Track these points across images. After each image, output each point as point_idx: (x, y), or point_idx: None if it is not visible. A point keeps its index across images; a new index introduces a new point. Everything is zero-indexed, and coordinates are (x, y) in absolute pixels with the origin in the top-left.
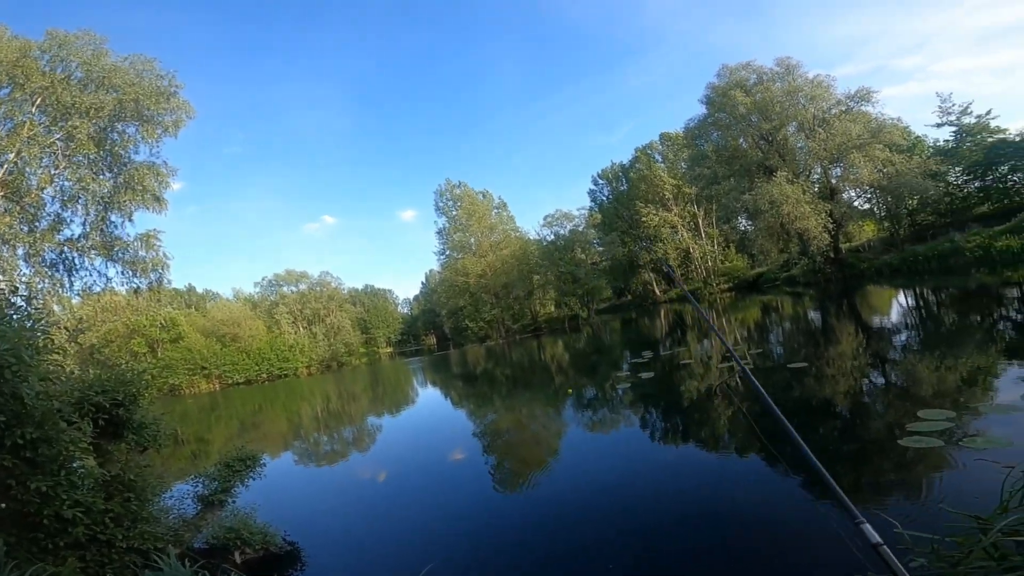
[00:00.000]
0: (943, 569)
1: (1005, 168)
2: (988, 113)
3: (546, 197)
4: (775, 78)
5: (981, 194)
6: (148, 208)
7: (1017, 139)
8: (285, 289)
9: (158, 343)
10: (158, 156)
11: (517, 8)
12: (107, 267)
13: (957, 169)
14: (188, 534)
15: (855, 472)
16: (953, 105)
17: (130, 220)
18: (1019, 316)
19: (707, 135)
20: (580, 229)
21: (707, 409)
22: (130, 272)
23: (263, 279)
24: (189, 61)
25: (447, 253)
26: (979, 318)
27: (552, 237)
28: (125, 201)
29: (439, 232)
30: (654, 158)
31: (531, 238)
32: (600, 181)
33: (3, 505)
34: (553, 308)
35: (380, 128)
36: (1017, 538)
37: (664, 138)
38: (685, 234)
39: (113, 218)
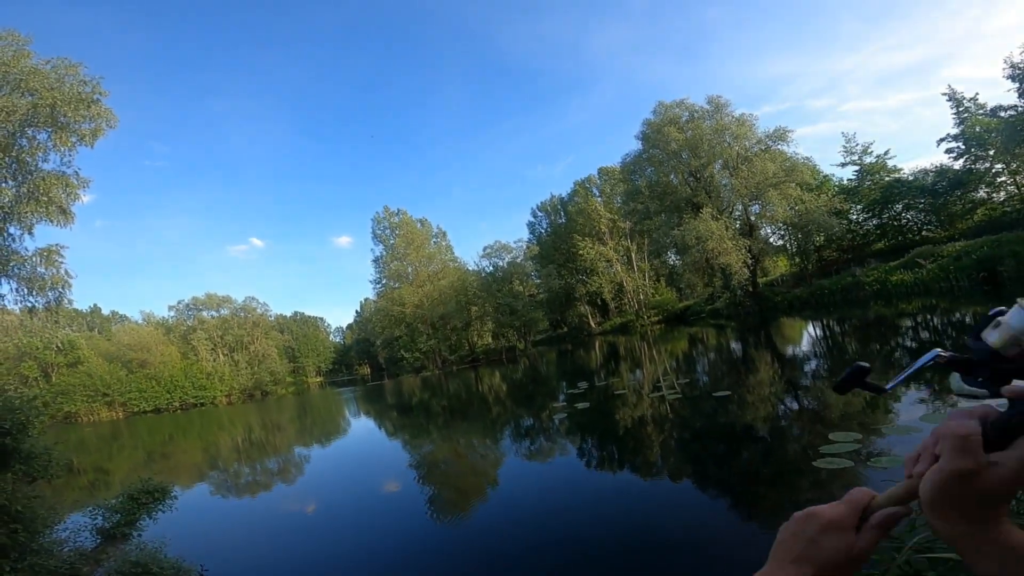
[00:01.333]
0: None
1: (899, 206)
2: (886, 153)
3: (486, 227)
4: (705, 116)
5: (878, 231)
6: (52, 221)
7: (910, 178)
8: (205, 314)
9: (53, 367)
10: (69, 166)
11: (464, 40)
12: (0, 283)
13: (858, 207)
14: (87, 568)
15: (776, 494)
16: (856, 145)
17: (30, 233)
18: (913, 344)
19: (642, 171)
20: (518, 261)
21: (640, 437)
22: (26, 290)
23: (179, 302)
24: (115, 67)
25: (383, 282)
26: (878, 346)
27: (491, 268)
28: (27, 212)
29: (375, 260)
30: (592, 192)
31: (470, 269)
32: (539, 213)
33: None
34: (491, 339)
35: (317, 150)
36: (929, 555)
37: (602, 172)
38: (619, 268)
39: (12, 230)
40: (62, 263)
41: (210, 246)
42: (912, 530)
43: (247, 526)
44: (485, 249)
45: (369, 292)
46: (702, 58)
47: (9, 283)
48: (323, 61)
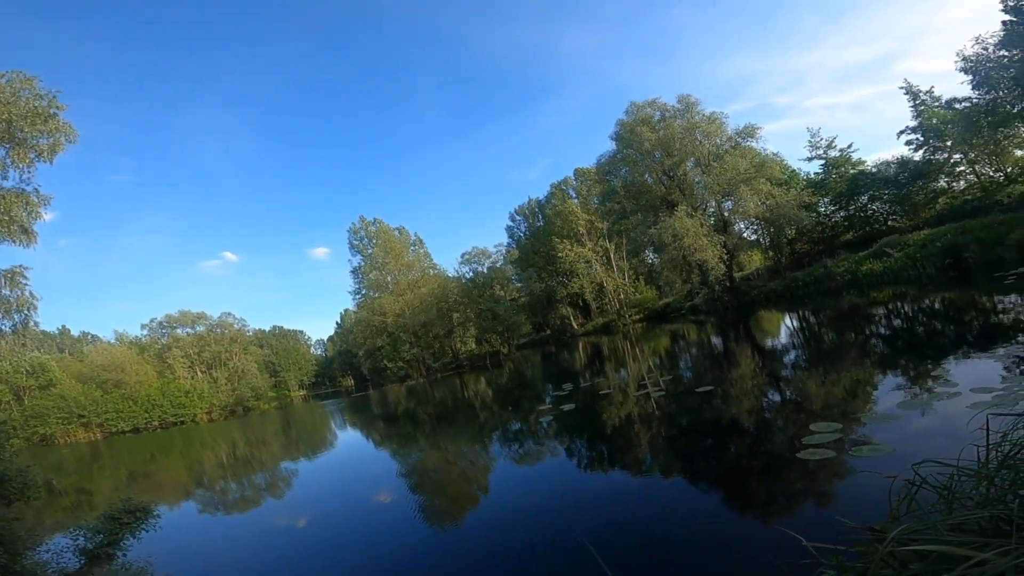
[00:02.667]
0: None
1: (865, 198)
2: (850, 146)
3: (466, 232)
4: (676, 115)
5: (846, 223)
6: (14, 241)
7: (874, 170)
8: (180, 331)
9: (25, 390)
10: (29, 183)
11: (438, 46)
12: None
13: (826, 200)
14: None
15: (763, 488)
16: (821, 140)
17: None
18: (887, 332)
19: (617, 171)
20: (498, 266)
21: (628, 435)
22: None
23: (152, 321)
24: (72, 79)
25: (363, 292)
26: (854, 335)
27: (471, 274)
28: None
29: (354, 271)
30: (568, 194)
31: (450, 276)
32: (517, 217)
33: None
34: (474, 345)
35: (290, 161)
36: (913, 547)
37: (578, 174)
38: (599, 268)
39: None
40: (26, 284)
41: (182, 262)
42: (894, 521)
43: (238, 542)
44: (464, 255)
45: (349, 303)
46: (671, 59)
47: None
48: (295, 69)
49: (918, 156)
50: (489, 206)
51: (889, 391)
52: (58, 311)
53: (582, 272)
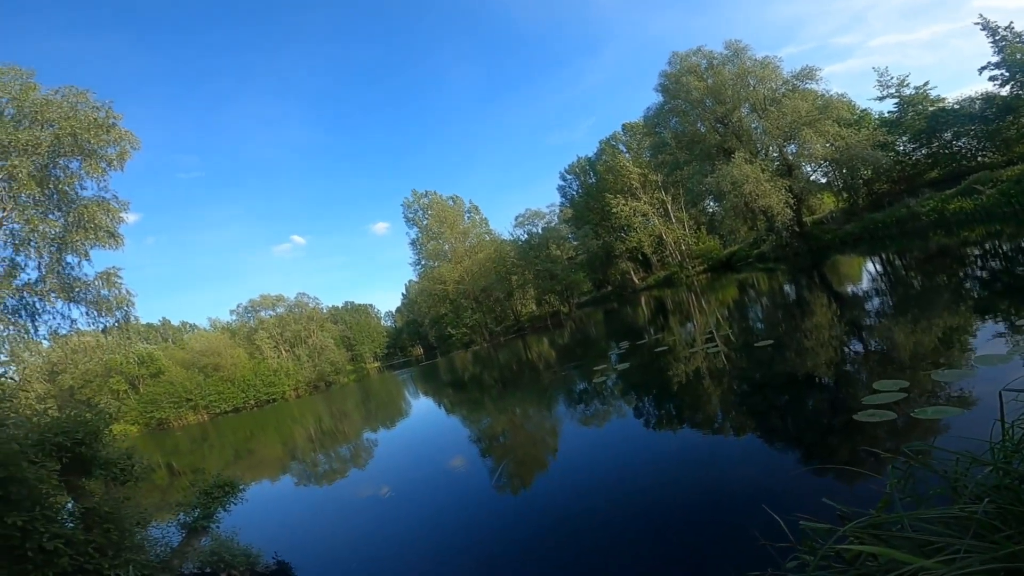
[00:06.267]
0: (823, 565)
1: (948, 135)
2: (925, 84)
3: (516, 197)
4: (725, 61)
5: (929, 160)
6: (104, 245)
7: (956, 107)
8: (263, 314)
9: (139, 379)
10: (107, 191)
11: (467, 14)
12: (70, 309)
13: (904, 138)
14: (177, 560)
15: (808, 454)
16: (891, 78)
17: (87, 259)
18: (984, 275)
19: (666, 122)
20: (553, 225)
21: (697, 391)
22: (95, 312)
23: (238, 306)
24: (128, 87)
25: (423, 263)
26: (946, 279)
27: (526, 236)
28: (78, 240)
29: (412, 243)
30: (619, 148)
31: (505, 239)
32: (568, 176)
33: None
34: (535, 306)
35: (342, 143)
36: (849, 547)
37: (627, 128)
38: (656, 220)
39: (69, 259)
40: (122, 284)
41: (255, 248)
42: (885, 506)
43: (325, 511)
44: (517, 218)
45: (412, 274)
46: (711, 6)
47: (78, 308)
48: (335, 53)
49: (1005, 91)
50: (536, 171)
51: (974, 342)
52: (157, 304)
53: (639, 226)
